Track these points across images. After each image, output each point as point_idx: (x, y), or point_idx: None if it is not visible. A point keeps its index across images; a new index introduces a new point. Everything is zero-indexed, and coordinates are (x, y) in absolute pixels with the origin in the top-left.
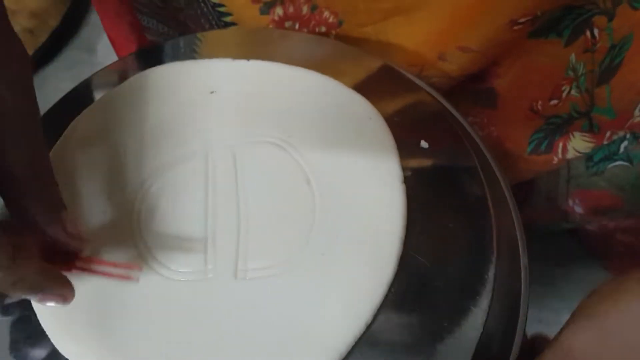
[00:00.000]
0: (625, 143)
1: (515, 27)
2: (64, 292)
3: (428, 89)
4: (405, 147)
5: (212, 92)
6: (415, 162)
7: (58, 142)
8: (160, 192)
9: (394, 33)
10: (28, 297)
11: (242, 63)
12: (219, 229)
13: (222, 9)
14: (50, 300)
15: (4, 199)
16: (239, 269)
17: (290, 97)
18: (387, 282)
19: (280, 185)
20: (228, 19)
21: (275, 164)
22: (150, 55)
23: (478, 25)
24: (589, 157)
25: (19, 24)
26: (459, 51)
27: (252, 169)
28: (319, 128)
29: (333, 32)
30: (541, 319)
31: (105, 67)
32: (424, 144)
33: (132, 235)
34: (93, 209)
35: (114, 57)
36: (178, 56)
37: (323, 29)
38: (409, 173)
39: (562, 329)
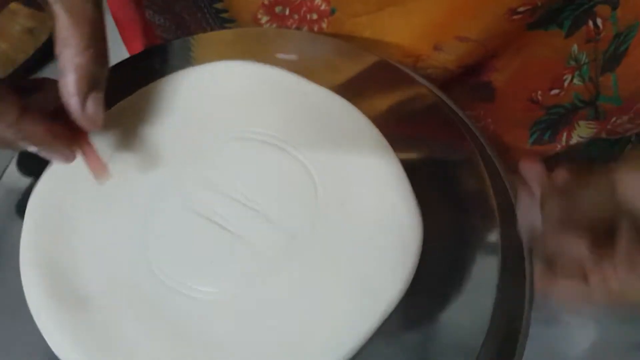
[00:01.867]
0: (629, 147)
1: (515, 17)
2: (67, 153)
3: (426, 83)
4: (403, 141)
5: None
6: (414, 156)
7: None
8: (164, 241)
9: (389, 24)
10: (32, 149)
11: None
12: (242, 225)
13: None
14: (53, 157)
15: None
16: (286, 234)
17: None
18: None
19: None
20: (219, 5)
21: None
22: (145, 62)
23: (476, 14)
24: (592, 159)
25: (19, 24)
26: (456, 41)
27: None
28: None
29: (325, 20)
30: (542, 319)
31: None
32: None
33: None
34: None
35: (113, 58)
36: (172, 62)
37: (315, 17)
38: (408, 166)
39: (609, 173)
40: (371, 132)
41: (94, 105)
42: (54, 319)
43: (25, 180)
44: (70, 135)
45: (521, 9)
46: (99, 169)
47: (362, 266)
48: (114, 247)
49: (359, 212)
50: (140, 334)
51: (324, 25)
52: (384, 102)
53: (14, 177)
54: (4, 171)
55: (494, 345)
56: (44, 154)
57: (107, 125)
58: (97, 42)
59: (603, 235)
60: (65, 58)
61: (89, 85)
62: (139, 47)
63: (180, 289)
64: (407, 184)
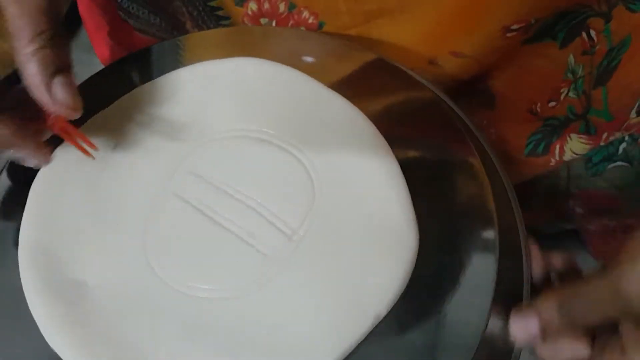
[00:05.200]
0: (624, 145)
1: (509, 34)
2: (36, 154)
3: (426, 83)
4: (402, 140)
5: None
6: (413, 155)
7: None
8: (164, 246)
9: (378, 36)
10: (3, 150)
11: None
12: (243, 225)
13: None
14: (23, 159)
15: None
16: (289, 235)
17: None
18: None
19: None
20: (214, 3)
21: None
22: (134, 63)
23: (469, 31)
24: (588, 159)
25: None
26: (451, 56)
27: (217, 168)
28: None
29: None
30: None
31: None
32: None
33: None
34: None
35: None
36: (162, 63)
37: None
38: (408, 167)
39: (610, 269)
40: (370, 132)
41: (61, 88)
42: (50, 315)
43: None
44: (39, 134)
45: (515, 27)
46: (85, 150)
47: (354, 272)
48: (113, 243)
49: (354, 215)
50: (137, 331)
51: None
52: (380, 101)
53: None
54: (3, 167)
55: (491, 346)
56: (16, 157)
57: (107, 121)
58: (50, 27)
59: (607, 332)
60: (20, 50)
61: (50, 71)
62: (105, 52)
63: (176, 286)
64: (404, 186)
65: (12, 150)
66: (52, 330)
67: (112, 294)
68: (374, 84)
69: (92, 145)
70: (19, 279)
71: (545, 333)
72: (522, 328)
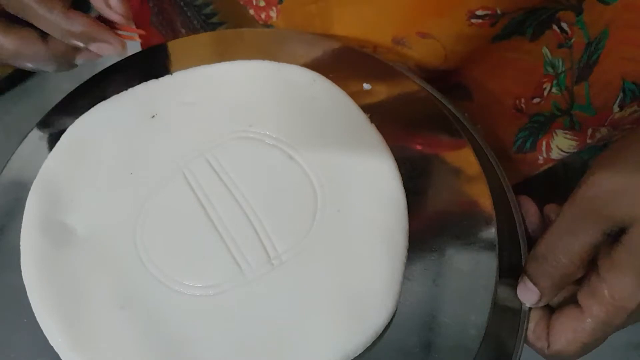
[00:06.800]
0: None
1: (474, 21)
2: (113, 42)
3: (418, 81)
4: (397, 138)
5: (153, 116)
6: (408, 152)
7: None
8: (154, 224)
9: (339, 12)
10: (84, 43)
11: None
12: (233, 230)
13: None
14: (103, 48)
15: None
16: (272, 257)
17: (241, 91)
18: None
19: (264, 170)
20: None
21: (250, 154)
22: (126, 69)
23: (436, 11)
24: (584, 162)
25: None
26: (417, 37)
27: (232, 166)
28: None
29: (274, 8)
30: None
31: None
32: (366, 85)
33: (144, 270)
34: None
35: (113, 58)
36: (152, 67)
37: (262, 4)
38: (403, 164)
39: (579, 186)
40: (370, 135)
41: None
42: (44, 304)
43: (25, 176)
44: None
45: (480, 13)
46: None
47: (350, 281)
48: (111, 204)
49: (353, 220)
50: (118, 321)
51: (273, 14)
52: (375, 98)
53: (13, 174)
54: (3, 168)
55: (492, 346)
56: (94, 46)
57: (110, 117)
58: None
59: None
60: None
61: None
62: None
63: (162, 279)
64: (400, 189)
65: (90, 38)
66: (44, 315)
67: (94, 250)
68: (357, 76)
69: (140, 31)
70: (21, 279)
71: (550, 288)
72: (527, 294)
